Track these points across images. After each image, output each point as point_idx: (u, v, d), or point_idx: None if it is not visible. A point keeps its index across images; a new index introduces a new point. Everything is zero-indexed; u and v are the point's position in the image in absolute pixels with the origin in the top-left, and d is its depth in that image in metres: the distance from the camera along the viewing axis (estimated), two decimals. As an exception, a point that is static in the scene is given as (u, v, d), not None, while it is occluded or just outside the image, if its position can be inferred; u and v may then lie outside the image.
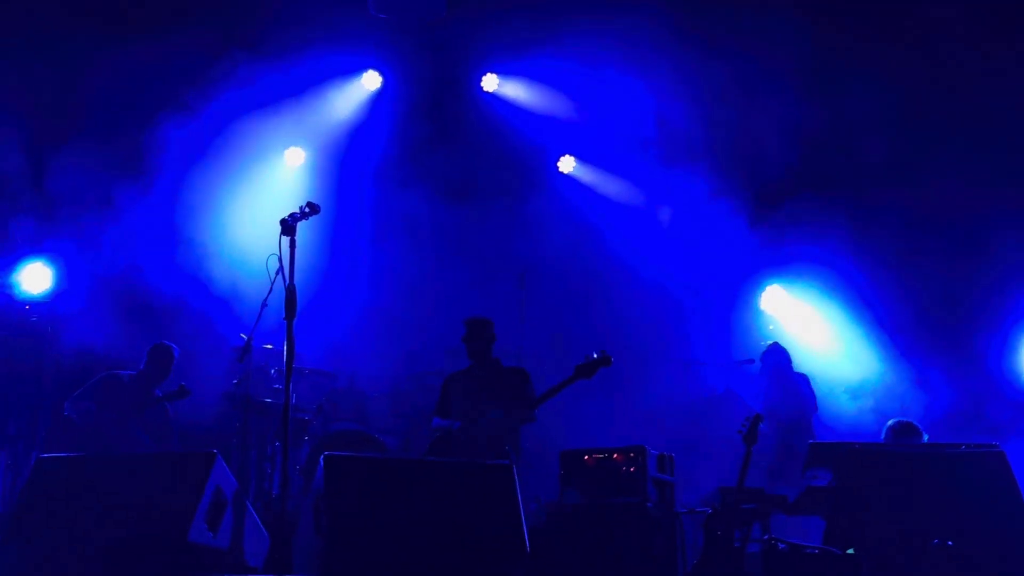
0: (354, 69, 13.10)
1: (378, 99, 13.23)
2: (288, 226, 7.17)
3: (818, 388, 11.60)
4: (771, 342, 11.85)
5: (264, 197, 12.38)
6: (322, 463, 6.81)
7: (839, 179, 12.46)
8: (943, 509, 7.23)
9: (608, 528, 8.44)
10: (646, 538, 8.43)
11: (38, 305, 12.14)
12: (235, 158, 12.46)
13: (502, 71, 13.28)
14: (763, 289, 12.91)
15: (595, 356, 8.90)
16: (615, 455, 8.77)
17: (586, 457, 8.84)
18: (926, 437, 9.12)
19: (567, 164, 13.50)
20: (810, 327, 12.82)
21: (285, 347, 7.08)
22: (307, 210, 7.30)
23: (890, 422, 9.18)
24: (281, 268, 7.15)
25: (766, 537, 7.70)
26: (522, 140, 13.28)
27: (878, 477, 7.47)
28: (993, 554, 7.09)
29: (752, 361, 12.15)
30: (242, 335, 9.84)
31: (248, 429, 10.39)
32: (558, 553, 8.34)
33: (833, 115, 12.01)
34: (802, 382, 11.47)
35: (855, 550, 7.18)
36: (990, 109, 11.66)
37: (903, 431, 9.07)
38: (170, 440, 10.35)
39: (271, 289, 7.38)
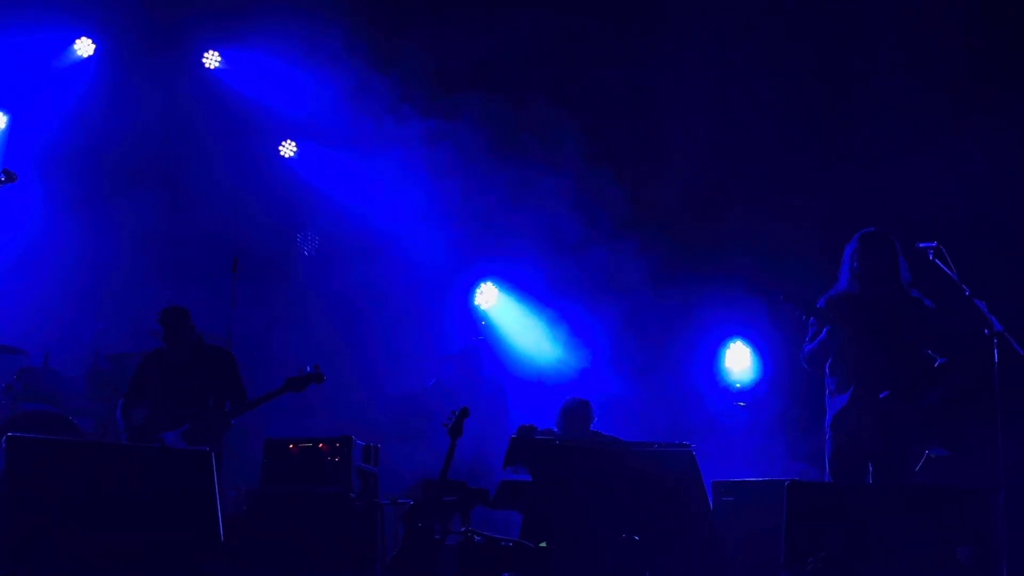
0: (67, 33, 12.43)
1: (90, 67, 12.60)
2: (-21, 193, 6.77)
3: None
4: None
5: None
6: (3, 445, 6.49)
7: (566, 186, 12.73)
8: (634, 504, 7.51)
9: (309, 517, 8.44)
10: (347, 528, 8.47)
11: None
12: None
13: (225, 48, 12.90)
14: (478, 286, 13.09)
15: (308, 370, 8.78)
16: (320, 444, 8.78)
17: (291, 446, 8.82)
18: (594, 416, 9.54)
19: (288, 149, 13.29)
20: (521, 325, 13.09)
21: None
22: (2, 178, 6.90)
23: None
24: (-30, 237, 6.75)
25: (463, 530, 7.81)
26: (242, 122, 12.97)
27: (573, 472, 7.70)
28: (677, 548, 7.42)
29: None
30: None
31: (-74, 407, 9.84)
32: (257, 541, 8.26)
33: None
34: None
35: (547, 543, 7.39)
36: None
37: (573, 408, 9.46)
38: None
39: (-41, 259, 6.96)
